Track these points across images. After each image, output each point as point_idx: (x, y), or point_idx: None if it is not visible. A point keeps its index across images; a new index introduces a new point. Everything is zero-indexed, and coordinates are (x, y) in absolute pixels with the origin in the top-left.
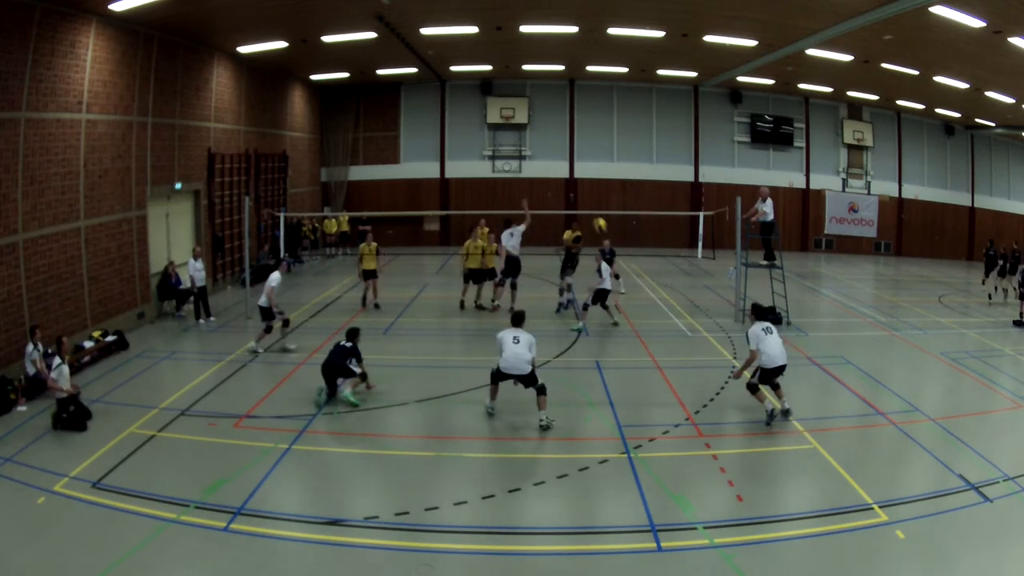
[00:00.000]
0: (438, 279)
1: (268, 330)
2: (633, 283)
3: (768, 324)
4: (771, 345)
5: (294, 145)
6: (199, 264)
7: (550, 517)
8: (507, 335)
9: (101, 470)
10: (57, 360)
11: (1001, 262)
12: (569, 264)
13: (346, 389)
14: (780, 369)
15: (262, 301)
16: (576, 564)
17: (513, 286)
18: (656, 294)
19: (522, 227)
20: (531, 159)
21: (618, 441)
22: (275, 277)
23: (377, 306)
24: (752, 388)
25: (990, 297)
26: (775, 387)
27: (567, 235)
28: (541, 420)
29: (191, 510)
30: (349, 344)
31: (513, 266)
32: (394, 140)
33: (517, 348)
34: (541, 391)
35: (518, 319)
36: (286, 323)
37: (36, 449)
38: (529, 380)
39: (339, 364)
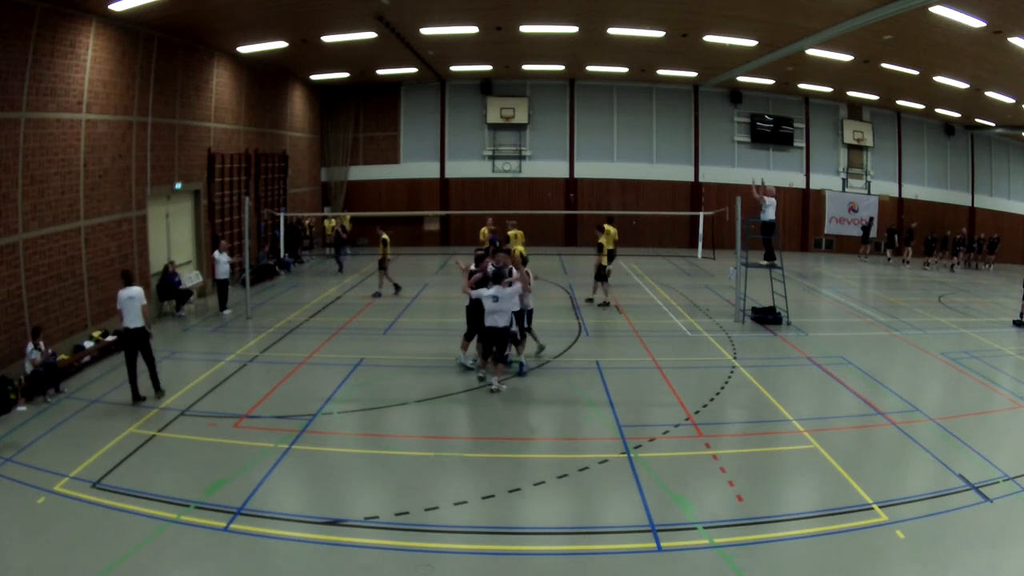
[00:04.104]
0: (438, 279)
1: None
2: (633, 283)
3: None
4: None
5: (294, 145)
6: (225, 256)
7: (550, 517)
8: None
9: (101, 470)
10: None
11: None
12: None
13: (512, 352)
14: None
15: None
16: (576, 564)
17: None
18: (656, 294)
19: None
20: (531, 159)
21: (618, 441)
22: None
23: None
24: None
25: (888, 259)
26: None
27: (608, 235)
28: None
29: (191, 510)
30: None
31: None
32: (394, 140)
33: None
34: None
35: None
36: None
37: (36, 449)
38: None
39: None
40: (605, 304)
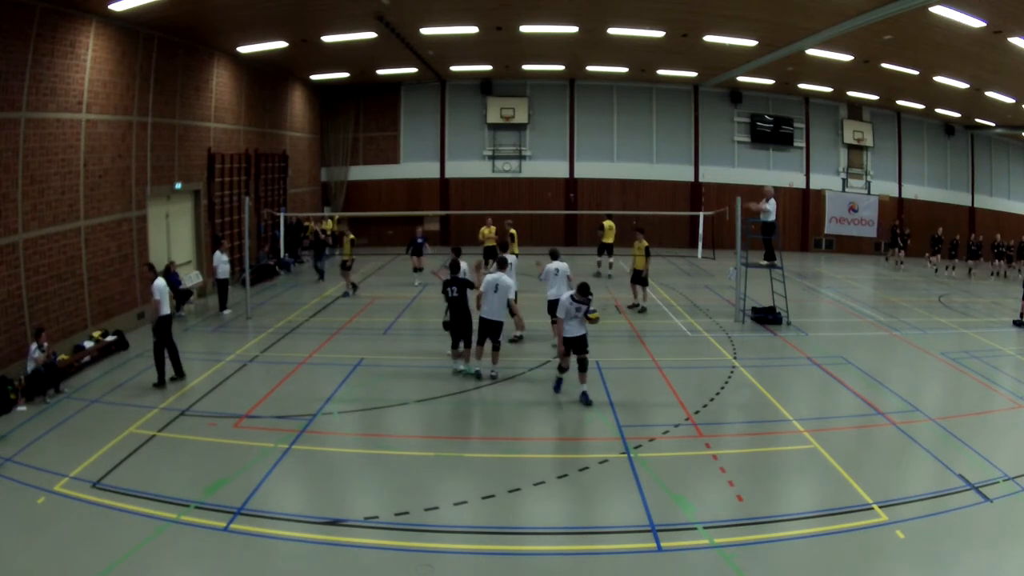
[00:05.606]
0: (438, 279)
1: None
2: None
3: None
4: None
5: (294, 145)
6: (225, 256)
7: (550, 517)
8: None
9: (101, 470)
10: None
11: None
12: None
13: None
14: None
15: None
16: (576, 564)
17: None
18: (656, 294)
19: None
20: (531, 159)
21: (618, 441)
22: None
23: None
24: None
25: (936, 271)
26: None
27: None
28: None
29: (191, 510)
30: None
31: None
32: (394, 140)
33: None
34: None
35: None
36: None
37: (36, 449)
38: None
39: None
40: (634, 306)
